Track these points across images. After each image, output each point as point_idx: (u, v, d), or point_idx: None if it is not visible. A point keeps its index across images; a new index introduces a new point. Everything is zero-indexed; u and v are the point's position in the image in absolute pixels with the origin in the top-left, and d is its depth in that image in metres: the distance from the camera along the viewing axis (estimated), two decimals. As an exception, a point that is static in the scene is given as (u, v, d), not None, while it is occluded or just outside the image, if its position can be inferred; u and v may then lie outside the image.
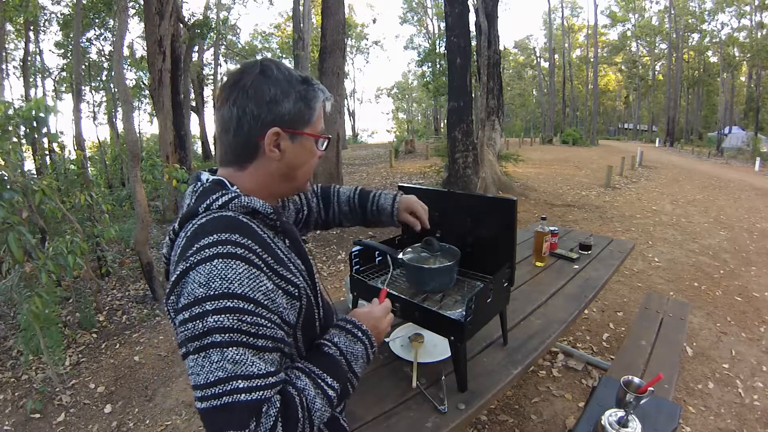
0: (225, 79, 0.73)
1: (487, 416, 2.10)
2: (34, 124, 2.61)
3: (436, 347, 1.26)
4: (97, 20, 11.90)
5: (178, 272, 0.62)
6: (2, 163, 2.55)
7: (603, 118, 46.34)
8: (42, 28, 14.15)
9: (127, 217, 6.33)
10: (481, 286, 1.10)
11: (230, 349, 0.58)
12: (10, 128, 2.52)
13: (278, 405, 0.60)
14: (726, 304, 3.41)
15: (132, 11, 11.40)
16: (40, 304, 2.35)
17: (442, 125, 30.00)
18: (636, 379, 1.12)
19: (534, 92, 42.94)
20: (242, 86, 0.69)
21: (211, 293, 0.59)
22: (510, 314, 1.42)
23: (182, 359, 0.63)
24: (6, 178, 2.39)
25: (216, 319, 0.58)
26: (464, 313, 1.01)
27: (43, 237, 3.22)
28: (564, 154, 18.76)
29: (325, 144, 0.80)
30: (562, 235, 2.56)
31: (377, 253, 1.39)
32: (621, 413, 1.12)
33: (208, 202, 0.68)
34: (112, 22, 12.05)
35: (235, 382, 0.57)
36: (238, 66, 0.74)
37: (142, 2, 8.12)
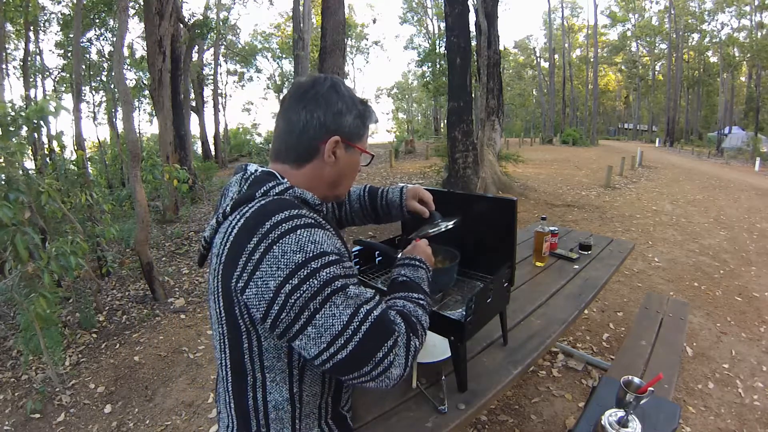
0: (295, 86, 0.82)
1: (487, 416, 2.10)
2: (36, 123, 2.61)
3: (436, 347, 1.26)
4: (97, 20, 11.88)
5: (261, 249, 0.65)
6: (2, 163, 2.55)
7: (603, 118, 46.34)
8: (42, 28, 14.14)
9: (127, 217, 6.32)
10: (481, 286, 1.10)
11: (348, 288, 0.68)
12: (12, 128, 2.51)
13: (398, 315, 0.74)
14: (726, 304, 3.41)
15: (132, 11, 11.39)
16: (45, 304, 2.34)
17: (442, 125, 29.97)
18: (636, 379, 1.12)
19: (534, 92, 42.90)
20: (314, 95, 0.78)
21: (310, 255, 0.65)
22: (510, 314, 1.42)
23: (299, 334, 0.65)
24: (12, 178, 2.39)
25: (327, 272, 0.66)
26: (464, 313, 1.01)
27: (43, 237, 3.21)
28: (564, 154, 18.77)
29: (369, 160, 0.89)
30: (562, 235, 2.56)
31: (377, 252, 1.39)
32: (621, 413, 1.12)
33: (265, 188, 0.74)
34: (112, 22, 12.05)
35: (363, 308, 0.68)
36: (309, 77, 0.82)
37: (142, 2, 8.13)
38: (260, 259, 0.64)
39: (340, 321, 0.65)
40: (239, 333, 0.71)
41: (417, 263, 0.91)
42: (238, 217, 0.70)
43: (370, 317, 0.67)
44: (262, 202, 0.70)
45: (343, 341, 0.64)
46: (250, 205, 0.70)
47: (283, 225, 0.65)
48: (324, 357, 0.65)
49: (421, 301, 0.81)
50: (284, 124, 0.80)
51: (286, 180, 0.77)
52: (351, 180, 0.89)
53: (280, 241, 0.64)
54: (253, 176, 0.78)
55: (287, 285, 0.63)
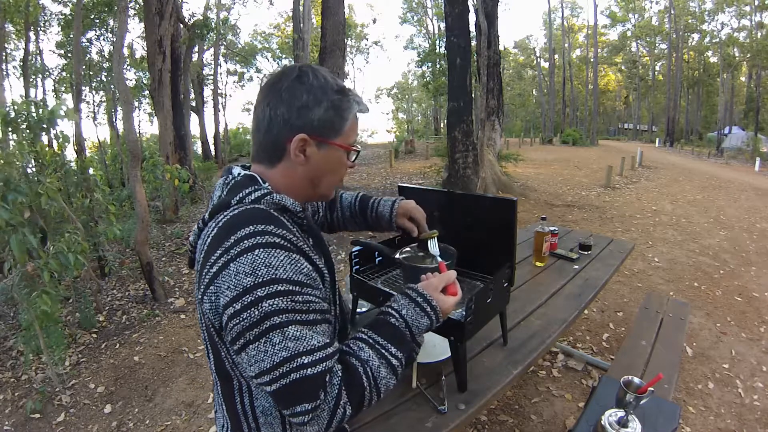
0: (266, 79, 0.77)
1: (487, 416, 2.10)
2: (46, 126, 2.62)
3: (436, 347, 1.26)
4: (97, 20, 11.89)
5: (219, 264, 0.63)
6: (1, 162, 2.55)
7: (603, 118, 46.33)
8: (42, 28, 14.15)
9: (127, 217, 6.32)
10: (481, 286, 1.10)
11: (289, 327, 0.61)
12: (22, 127, 2.52)
13: (341, 375, 0.65)
14: (726, 304, 3.41)
15: (132, 11, 11.40)
16: (48, 300, 2.35)
17: (442, 125, 29.95)
18: (636, 379, 1.12)
19: (534, 92, 42.88)
20: (278, 89, 0.71)
21: (260, 281, 0.60)
22: (510, 314, 1.42)
23: (237, 354, 0.64)
24: (11, 179, 2.39)
25: (271, 303, 0.60)
26: (464, 313, 1.01)
27: (43, 237, 3.21)
28: (564, 154, 18.77)
29: (355, 156, 0.81)
30: (562, 235, 2.56)
31: (377, 252, 1.39)
32: (621, 413, 1.12)
33: (240, 195, 0.70)
34: (112, 22, 12.05)
35: (299, 359, 0.60)
36: (280, 68, 0.76)
37: (142, 2, 8.12)
38: (216, 274, 0.63)
39: (270, 360, 0.60)
40: (214, 340, 0.70)
41: (429, 310, 0.76)
42: (213, 225, 0.68)
43: (301, 372, 0.60)
44: (235, 212, 0.67)
45: (268, 379, 0.61)
46: (225, 214, 0.68)
47: (245, 242, 0.62)
48: (254, 382, 0.65)
49: (394, 361, 0.71)
50: (253, 123, 0.75)
51: (266, 184, 0.73)
52: (334, 178, 0.80)
53: (237, 259, 0.61)
54: (233, 181, 0.75)
55: (230, 308, 0.61)
